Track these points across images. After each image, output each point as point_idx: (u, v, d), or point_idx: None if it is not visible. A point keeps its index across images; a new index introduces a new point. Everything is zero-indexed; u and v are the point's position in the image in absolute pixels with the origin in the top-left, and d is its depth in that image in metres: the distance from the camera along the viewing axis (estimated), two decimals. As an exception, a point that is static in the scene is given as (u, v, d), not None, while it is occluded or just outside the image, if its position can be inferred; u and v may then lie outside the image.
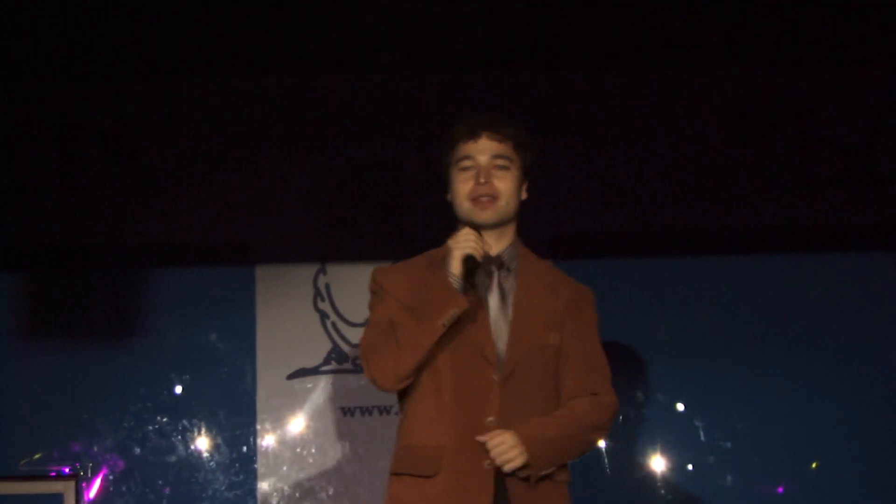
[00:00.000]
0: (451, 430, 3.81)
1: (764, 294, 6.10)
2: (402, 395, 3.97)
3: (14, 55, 5.76)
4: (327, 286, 6.03)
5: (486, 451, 3.76)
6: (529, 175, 4.05)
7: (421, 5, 5.35)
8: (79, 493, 5.76)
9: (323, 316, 6.01)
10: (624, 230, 6.15)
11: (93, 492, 5.91)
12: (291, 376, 5.98)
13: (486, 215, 3.94)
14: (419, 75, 6.12)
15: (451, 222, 5.98)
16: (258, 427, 5.95)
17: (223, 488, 5.96)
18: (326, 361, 6.00)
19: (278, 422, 5.96)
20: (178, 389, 6.00)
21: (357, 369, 5.97)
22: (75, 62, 5.87)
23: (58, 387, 5.94)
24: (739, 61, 6.09)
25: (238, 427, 5.97)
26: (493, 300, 3.91)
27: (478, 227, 3.94)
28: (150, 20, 5.43)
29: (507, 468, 3.75)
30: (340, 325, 6.01)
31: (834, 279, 6.12)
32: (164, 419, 5.98)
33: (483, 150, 3.94)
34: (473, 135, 3.95)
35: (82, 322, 5.97)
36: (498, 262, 3.96)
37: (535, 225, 6.03)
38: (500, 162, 3.94)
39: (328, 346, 5.99)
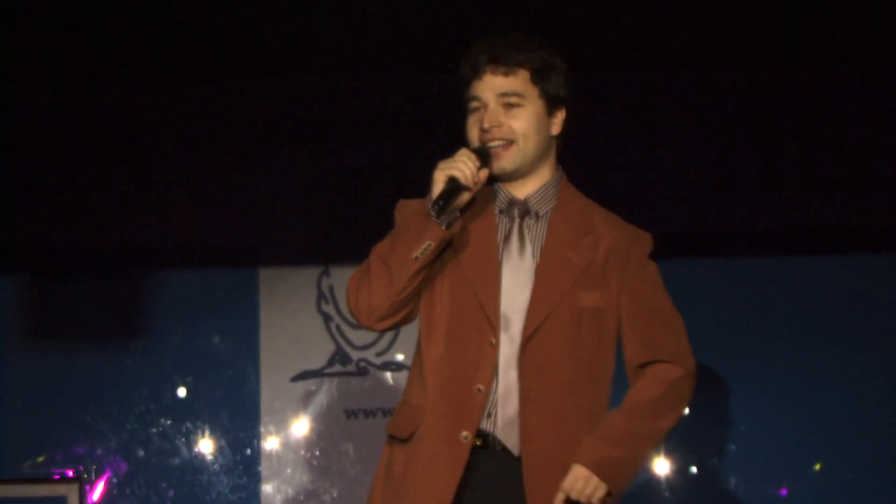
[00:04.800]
0: (435, 390, 3.35)
1: (767, 296, 6.10)
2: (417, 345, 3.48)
3: (16, 56, 5.75)
4: (331, 288, 6.03)
5: (468, 421, 3.31)
6: (563, 103, 3.45)
7: (421, 7, 5.34)
8: (82, 496, 5.75)
9: (326, 318, 6.01)
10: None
11: (96, 494, 5.90)
12: (295, 379, 5.98)
13: (501, 163, 3.40)
14: (421, 77, 6.12)
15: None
16: (262, 429, 5.95)
17: (227, 491, 5.95)
18: (330, 364, 5.99)
19: (282, 424, 5.96)
20: (182, 392, 6.00)
21: (361, 372, 5.98)
22: (78, 63, 5.87)
23: (61, 389, 5.93)
24: (740, 62, 6.09)
25: (241, 429, 5.97)
26: (511, 253, 3.39)
27: (495, 178, 3.43)
28: (152, 21, 5.42)
29: (596, 502, 3.29)
30: (344, 327, 6.00)
31: (836, 281, 6.11)
32: (168, 421, 5.97)
33: (488, 87, 3.40)
34: (477, 70, 3.41)
35: (85, 324, 5.97)
36: (523, 207, 3.42)
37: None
38: (511, 100, 3.39)
39: (332, 348, 5.99)
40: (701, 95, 6.16)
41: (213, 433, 5.98)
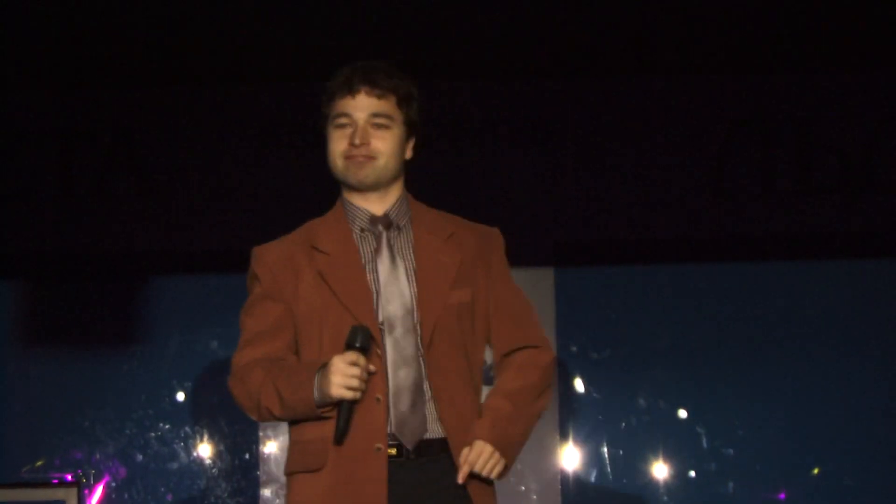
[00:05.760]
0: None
1: (765, 301, 6.10)
2: None
3: (14, 62, 5.76)
4: (328, 292, 6.02)
5: (377, 433, 3.44)
6: (416, 132, 3.69)
7: (416, 12, 5.35)
8: (81, 501, 5.75)
9: (324, 322, 6.00)
10: (624, 238, 6.14)
11: (95, 499, 5.90)
12: (293, 383, 5.98)
13: (362, 174, 3.58)
14: (416, 81, 6.11)
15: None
16: (260, 434, 5.95)
17: (225, 495, 5.95)
18: (328, 367, 5.99)
19: (280, 428, 5.95)
20: (180, 396, 6.00)
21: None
22: (75, 69, 5.87)
23: (59, 394, 5.94)
24: (739, 68, 6.09)
25: (240, 434, 5.97)
26: (384, 264, 3.56)
27: (353, 188, 3.61)
28: (148, 27, 5.42)
29: (495, 476, 3.48)
30: (342, 331, 6.00)
31: (834, 286, 6.12)
32: (166, 426, 5.97)
33: (361, 107, 3.58)
34: (351, 90, 3.57)
35: (83, 329, 5.97)
36: (385, 221, 3.61)
37: (536, 233, 6.08)
38: (380, 121, 3.58)
39: (330, 352, 5.98)
40: (699, 101, 6.16)
41: (211, 438, 5.98)
